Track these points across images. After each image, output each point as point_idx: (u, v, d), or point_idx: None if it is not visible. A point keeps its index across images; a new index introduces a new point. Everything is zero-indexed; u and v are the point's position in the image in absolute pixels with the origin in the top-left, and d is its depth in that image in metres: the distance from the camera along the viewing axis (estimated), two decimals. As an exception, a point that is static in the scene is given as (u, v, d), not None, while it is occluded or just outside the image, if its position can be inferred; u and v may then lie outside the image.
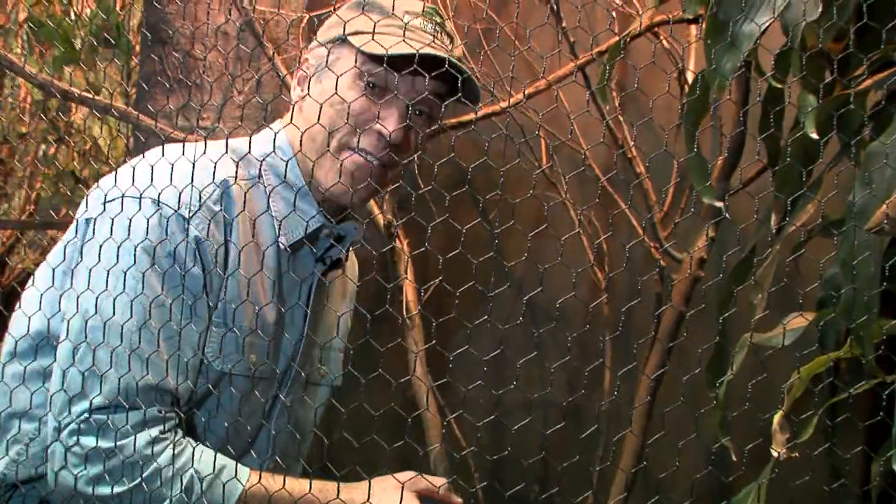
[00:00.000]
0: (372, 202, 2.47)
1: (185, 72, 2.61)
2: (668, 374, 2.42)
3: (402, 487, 1.43)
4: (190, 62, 2.62)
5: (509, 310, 1.68)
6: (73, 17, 3.20)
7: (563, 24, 2.43)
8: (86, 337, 1.34)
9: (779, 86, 1.80)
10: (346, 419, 1.72)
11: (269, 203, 1.49)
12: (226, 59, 2.62)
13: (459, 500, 1.52)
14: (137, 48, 3.18)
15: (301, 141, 1.46)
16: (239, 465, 1.40)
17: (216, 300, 1.42)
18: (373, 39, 1.38)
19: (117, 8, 3.22)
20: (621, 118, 2.71)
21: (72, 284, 1.38)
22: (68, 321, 1.37)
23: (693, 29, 2.75)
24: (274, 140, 1.49)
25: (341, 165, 1.46)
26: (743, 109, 2.34)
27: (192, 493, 1.35)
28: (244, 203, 1.44)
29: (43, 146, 3.41)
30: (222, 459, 1.39)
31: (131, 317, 1.33)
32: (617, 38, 2.35)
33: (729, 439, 1.83)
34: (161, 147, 1.43)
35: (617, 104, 2.74)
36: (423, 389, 2.58)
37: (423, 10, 1.50)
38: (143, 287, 1.33)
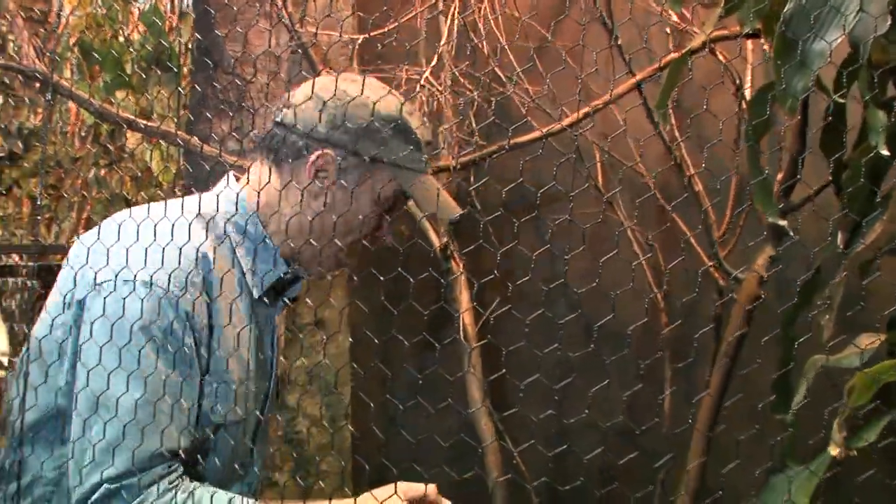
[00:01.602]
0: (428, 226, 2.45)
1: (236, 95, 2.60)
2: (729, 398, 2.36)
3: (395, 487, 1.49)
4: (241, 85, 2.61)
5: (569, 334, 1.64)
6: (122, 41, 3.20)
7: (619, 41, 2.38)
8: (96, 411, 1.46)
9: (841, 101, 1.75)
10: (404, 447, 1.69)
11: (234, 260, 1.62)
12: (275, 82, 2.60)
13: (448, 502, 1.60)
14: (187, 71, 3.18)
15: (303, 225, 1.62)
16: (246, 499, 1.52)
17: (208, 361, 1.55)
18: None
19: (166, 31, 3.23)
20: (678, 136, 2.66)
21: (78, 360, 1.50)
22: (77, 396, 1.49)
23: (750, 44, 2.70)
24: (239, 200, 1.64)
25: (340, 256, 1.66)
26: (803, 125, 2.28)
27: None
28: (227, 263, 1.60)
29: (94, 170, 3.42)
30: (230, 495, 1.51)
31: (127, 390, 1.45)
32: (675, 56, 2.30)
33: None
34: (128, 211, 1.60)
35: (673, 122, 2.68)
36: (482, 417, 2.54)
37: (421, 122, 1.64)
38: (141, 363, 1.46)
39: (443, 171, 2.62)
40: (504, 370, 1.51)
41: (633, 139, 2.60)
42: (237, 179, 1.70)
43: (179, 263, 1.50)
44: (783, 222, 2.02)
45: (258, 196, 1.62)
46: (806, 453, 1.74)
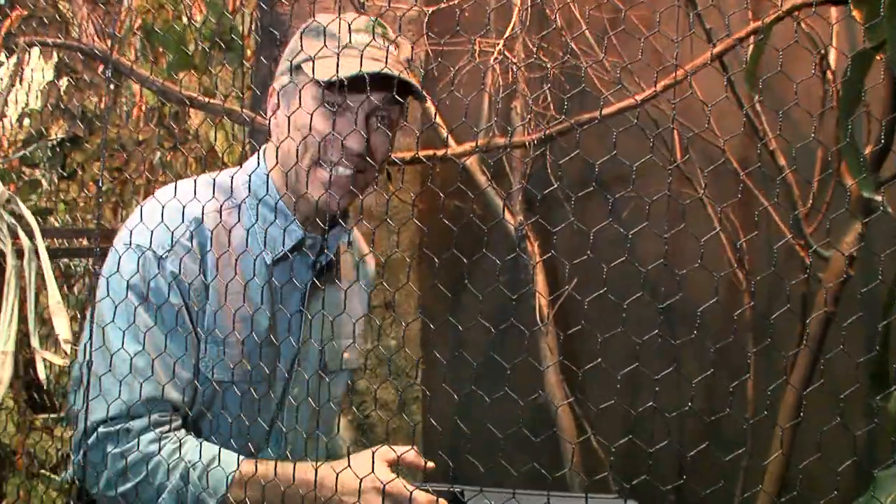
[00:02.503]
0: (502, 205, 2.36)
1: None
2: (815, 384, 2.26)
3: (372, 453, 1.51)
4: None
5: (643, 316, 1.56)
6: (185, 21, 3.16)
7: (698, 9, 2.28)
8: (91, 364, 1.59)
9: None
10: (473, 434, 1.61)
11: (245, 221, 1.68)
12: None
13: (430, 463, 1.62)
14: (250, 52, 3.13)
15: (276, 163, 1.69)
16: (230, 454, 1.57)
17: (200, 319, 1.64)
18: (314, 63, 1.58)
19: (229, 11, 3.18)
20: (759, 108, 2.55)
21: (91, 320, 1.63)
22: (84, 349, 1.61)
23: (834, 11, 2.58)
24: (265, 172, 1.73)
25: (330, 177, 1.63)
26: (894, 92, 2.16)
27: (189, 482, 1.54)
28: (234, 224, 1.66)
29: (159, 153, 3.38)
30: (217, 451, 1.57)
31: (122, 343, 1.57)
32: (759, 23, 2.19)
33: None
34: (173, 185, 1.66)
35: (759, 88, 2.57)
36: (557, 400, 2.46)
37: (364, 26, 1.64)
38: (131, 319, 1.58)
39: (518, 146, 2.54)
40: (587, 356, 1.43)
41: (713, 113, 2.49)
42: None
43: (169, 226, 1.60)
44: (879, 197, 1.90)
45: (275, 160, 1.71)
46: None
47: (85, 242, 2.88)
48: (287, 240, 1.69)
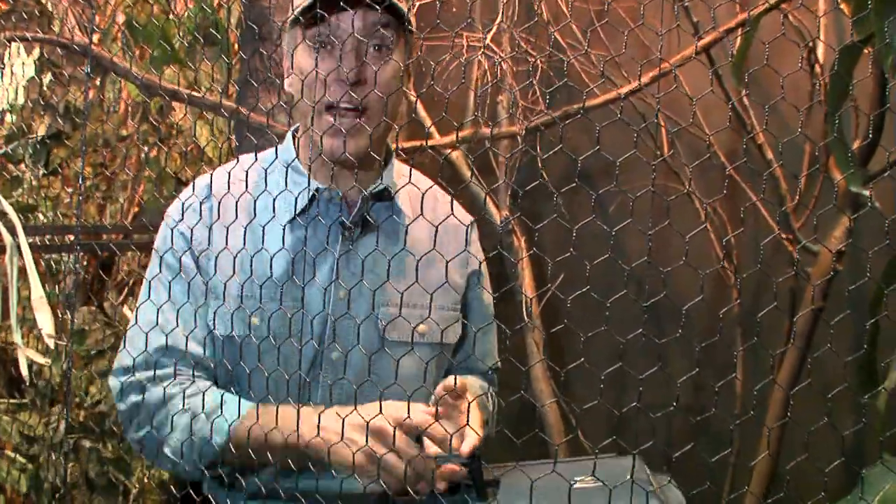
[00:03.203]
0: (488, 199, 2.34)
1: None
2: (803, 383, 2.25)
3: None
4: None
5: (629, 313, 1.54)
6: (171, 15, 3.13)
7: (685, 2, 2.26)
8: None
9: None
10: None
11: (263, 183, 1.69)
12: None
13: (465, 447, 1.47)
14: (237, 46, 3.10)
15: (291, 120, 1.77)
16: (236, 402, 1.56)
17: (209, 279, 1.66)
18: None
19: (215, 4, 3.15)
20: (746, 101, 2.53)
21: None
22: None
23: (822, 3, 2.56)
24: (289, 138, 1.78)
25: (334, 124, 1.59)
26: (882, 86, 2.15)
27: (193, 429, 1.56)
28: (252, 186, 1.68)
29: (145, 148, 3.35)
30: (226, 399, 1.58)
31: (147, 298, 1.67)
32: (745, 15, 2.17)
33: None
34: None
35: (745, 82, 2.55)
36: (544, 397, 2.44)
37: None
38: (154, 280, 1.68)
39: (505, 138, 2.52)
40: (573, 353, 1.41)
41: (699, 106, 2.48)
42: None
43: (186, 195, 1.72)
44: (866, 191, 1.88)
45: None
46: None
47: (70, 238, 2.86)
48: (300, 197, 1.66)
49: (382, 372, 1.66)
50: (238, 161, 1.71)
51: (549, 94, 2.62)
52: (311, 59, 1.59)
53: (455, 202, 1.70)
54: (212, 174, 1.71)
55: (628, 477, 1.25)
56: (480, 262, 1.86)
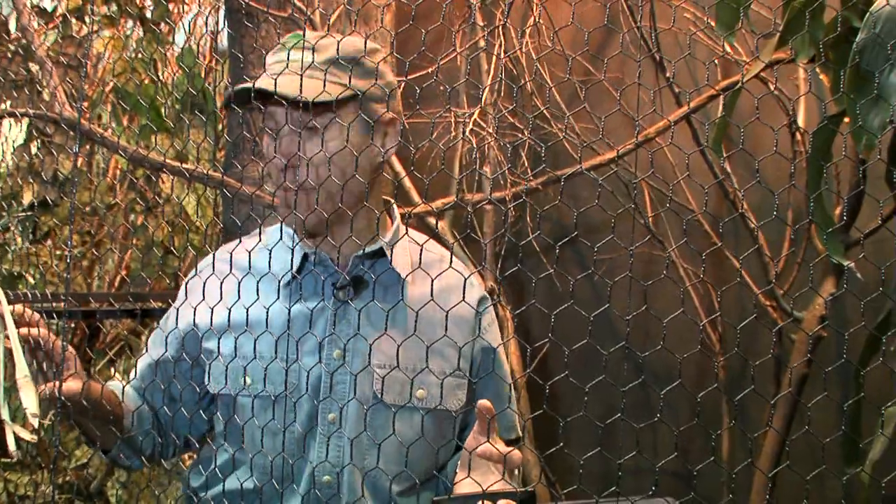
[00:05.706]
0: (474, 273, 2.36)
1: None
2: (790, 443, 2.26)
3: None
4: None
5: (617, 372, 1.55)
6: (158, 84, 3.16)
7: (668, 74, 2.29)
8: None
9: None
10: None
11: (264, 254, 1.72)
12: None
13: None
14: (223, 114, 3.13)
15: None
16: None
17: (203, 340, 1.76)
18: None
19: (202, 74, 3.18)
20: (729, 169, 2.56)
21: None
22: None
23: (802, 73, 2.61)
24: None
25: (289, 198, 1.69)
26: (862, 159, 2.18)
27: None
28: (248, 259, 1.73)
29: (132, 216, 3.36)
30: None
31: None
32: (726, 83, 2.21)
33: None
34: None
35: (724, 155, 2.59)
36: (530, 461, 2.45)
37: (283, 42, 1.70)
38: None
39: (495, 203, 2.54)
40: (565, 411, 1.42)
41: (683, 173, 2.50)
42: None
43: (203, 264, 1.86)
44: (850, 263, 1.91)
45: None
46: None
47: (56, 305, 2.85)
48: (294, 259, 1.73)
49: (379, 434, 1.68)
50: (241, 242, 1.77)
51: (537, 165, 2.66)
52: (267, 146, 1.71)
53: (462, 266, 1.79)
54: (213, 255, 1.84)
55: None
56: (496, 347, 1.85)
